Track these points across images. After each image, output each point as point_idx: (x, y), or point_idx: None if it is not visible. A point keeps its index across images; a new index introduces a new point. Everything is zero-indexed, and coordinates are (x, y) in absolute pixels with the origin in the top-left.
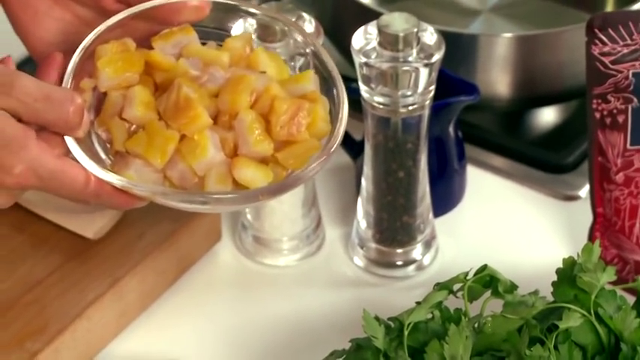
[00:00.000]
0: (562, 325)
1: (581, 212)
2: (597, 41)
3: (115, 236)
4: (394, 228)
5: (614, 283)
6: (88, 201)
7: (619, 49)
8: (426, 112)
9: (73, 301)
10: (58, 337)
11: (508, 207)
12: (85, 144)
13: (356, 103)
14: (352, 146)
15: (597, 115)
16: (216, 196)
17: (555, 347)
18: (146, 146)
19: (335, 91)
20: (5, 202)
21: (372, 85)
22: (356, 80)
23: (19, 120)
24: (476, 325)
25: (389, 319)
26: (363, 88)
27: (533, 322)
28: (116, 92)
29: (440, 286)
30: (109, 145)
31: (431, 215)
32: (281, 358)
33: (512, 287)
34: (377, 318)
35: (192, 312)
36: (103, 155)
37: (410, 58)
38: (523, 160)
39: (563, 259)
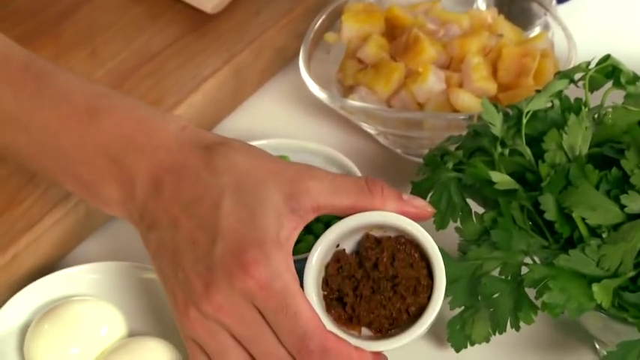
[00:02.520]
0: None
1: None
2: None
3: (232, 12)
4: None
5: None
6: (309, 354)
7: None
8: None
9: (189, 75)
10: (173, 110)
11: None
12: None
13: None
14: None
15: None
16: None
17: None
18: (373, 77)
19: None
20: (223, 305)
21: None
22: None
23: None
24: (596, 116)
25: (507, 106)
26: None
27: None
28: (356, 40)
29: (561, 75)
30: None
31: (554, 1)
32: None
33: (635, 78)
34: (495, 105)
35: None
36: None
37: None
38: None
39: None
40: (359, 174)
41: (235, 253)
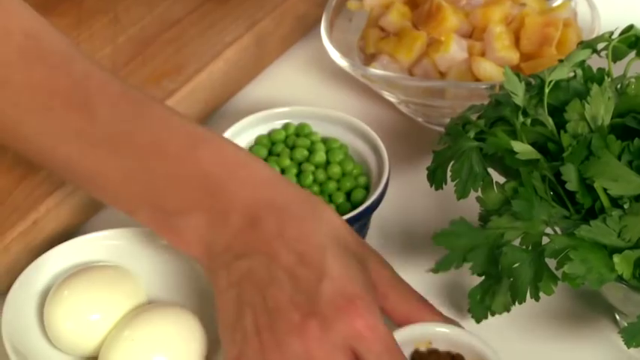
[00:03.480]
0: None
1: None
2: None
3: None
4: None
5: None
6: None
7: None
8: None
9: (211, 42)
10: (194, 77)
11: None
12: None
13: None
14: None
15: None
16: None
17: None
18: (395, 45)
19: None
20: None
21: None
22: None
23: None
24: (618, 87)
25: (530, 75)
26: None
27: None
28: (378, 8)
29: (583, 45)
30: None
31: None
32: None
33: None
34: (517, 74)
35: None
36: None
37: None
38: None
39: None
40: (380, 143)
41: (343, 293)
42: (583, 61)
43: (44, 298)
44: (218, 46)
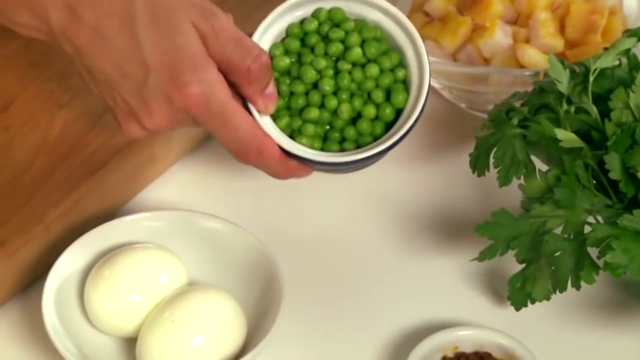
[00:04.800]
0: None
1: None
2: None
3: None
4: None
5: None
6: (247, 155)
7: None
8: None
9: None
10: None
11: None
12: None
13: None
14: None
15: None
16: None
17: None
18: (440, 30)
19: None
20: (164, 124)
21: None
22: None
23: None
24: None
25: (574, 63)
26: None
27: None
28: None
29: (629, 33)
30: None
31: None
32: None
33: None
34: (562, 61)
35: None
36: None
37: None
38: None
39: None
40: (415, 32)
41: (170, 79)
42: (628, 50)
43: (85, 278)
44: None
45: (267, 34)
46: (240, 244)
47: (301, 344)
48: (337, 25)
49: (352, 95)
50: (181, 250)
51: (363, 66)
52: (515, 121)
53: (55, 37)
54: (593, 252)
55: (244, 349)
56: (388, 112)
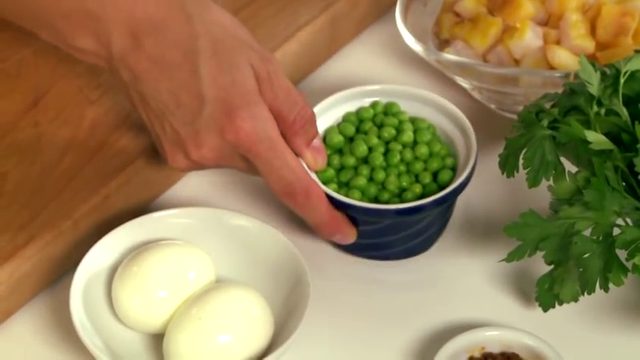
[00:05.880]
0: None
1: None
2: None
3: None
4: None
5: None
6: (295, 195)
7: None
8: None
9: (285, 22)
10: None
11: None
12: None
13: None
14: None
15: None
16: None
17: None
18: (470, 30)
19: None
20: (210, 157)
21: None
22: None
23: None
24: None
25: (605, 65)
26: None
27: None
28: None
29: None
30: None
31: None
32: None
33: None
34: (592, 63)
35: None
36: None
37: None
38: None
39: None
40: (468, 124)
41: (224, 112)
42: None
43: (112, 274)
44: (292, 27)
45: (322, 117)
46: (268, 242)
47: (327, 344)
48: (393, 115)
49: (400, 175)
50: (209, 247)
51: (413, 148)
52: (545, 123)
53: (113, 62)
54: (621, 254)
55: (270, 347)
56: (434, 188)
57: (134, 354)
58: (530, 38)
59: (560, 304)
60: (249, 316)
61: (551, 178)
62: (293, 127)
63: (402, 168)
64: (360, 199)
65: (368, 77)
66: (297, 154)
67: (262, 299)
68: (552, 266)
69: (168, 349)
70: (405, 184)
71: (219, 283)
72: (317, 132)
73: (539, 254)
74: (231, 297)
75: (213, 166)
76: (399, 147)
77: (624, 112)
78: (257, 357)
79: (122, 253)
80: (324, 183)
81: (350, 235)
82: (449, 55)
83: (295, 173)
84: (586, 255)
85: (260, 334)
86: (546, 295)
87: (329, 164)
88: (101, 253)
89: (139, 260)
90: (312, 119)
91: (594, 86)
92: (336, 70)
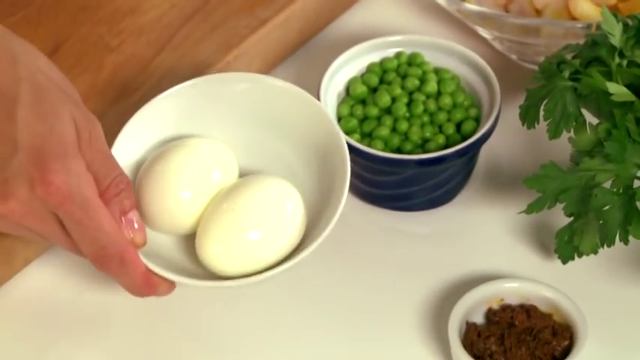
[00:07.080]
0: None
1: None
2: None
3: None
4: None
5: None
6: (108, 261)
7: None
8: None
9: None
10: (288, 6)
11: None
12: None
13: None
14: None
15: None
16: None
17: None
18: None
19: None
20: (18, 211)
21: None
22: None
23: None
24: None
25: (627, 16)
26: None
27: None
28: None
29: None
30: None
31: None
32: None
33: None
34: (615, 14)
35: None
36: None
37: None
38: None
39: None
40: (493, 75)
41: (36, 162)
42: None
43: (138, 170)
44: None
45: (346, 67)
46: (303, 112)
47: (345, 292)
48: (417, 66)
49: (423, 125)
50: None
51: (436, 99)
52: (566, 74)
53: None
54: None
55: (302, 242)
56: (457, 139)
57: (163, 253)
58: None
59: (580, 256)
60: (285, 206)
61: (572, 130)
62: (107, 194)
63: (426, 119)
64: (383, 150)
65: (389, 27)
66: None
67: (295, 189)
68: (572, 218)
69: (201, 244)
70: (428, 134)
71: (250, 175)
72: (134, 205)
73: (559, 206)
74: (265, 187)
75: (21, 225)
76: (422, 97)
77: None
78: (289, 253)
79: (147, 150)
80: (347, 133)
81: (167, 293)
82: (470, 5)
83: (109, 237)
84: (606, 207)
85: (296, 224)
86: (565, 247)
87: (352, 114)
88: (125, 147)
89: (163, 159)
90: (127, 189)
91: (616, 37)
92: (357, 20)
